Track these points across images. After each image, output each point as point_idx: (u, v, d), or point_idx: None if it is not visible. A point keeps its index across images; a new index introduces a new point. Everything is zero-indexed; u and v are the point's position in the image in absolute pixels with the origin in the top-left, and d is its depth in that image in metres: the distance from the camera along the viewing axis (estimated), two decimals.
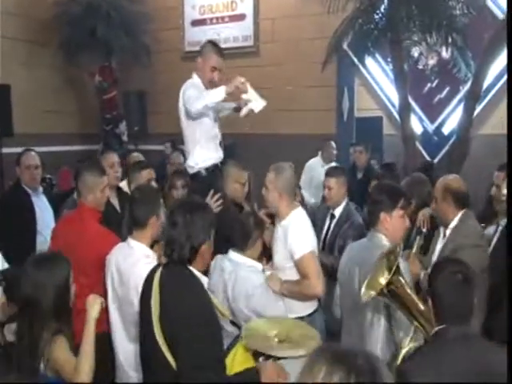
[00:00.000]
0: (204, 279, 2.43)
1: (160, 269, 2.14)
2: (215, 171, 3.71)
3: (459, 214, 3.04)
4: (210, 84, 3.67)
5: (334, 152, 6.47)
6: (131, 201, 2.82)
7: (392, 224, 2.56)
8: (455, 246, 2.94)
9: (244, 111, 3.61)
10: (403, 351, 2.16)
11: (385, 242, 2.53)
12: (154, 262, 2.64)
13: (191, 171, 3.75)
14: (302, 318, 2.96)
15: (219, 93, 3.45)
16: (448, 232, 3.10)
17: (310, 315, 3.04)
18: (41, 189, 4.32)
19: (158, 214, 2.76)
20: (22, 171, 4.12)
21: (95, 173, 3.18)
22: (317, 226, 3.97)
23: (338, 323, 3.21)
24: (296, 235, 2.95)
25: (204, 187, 3.54)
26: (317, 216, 3.98)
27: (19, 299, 2.27)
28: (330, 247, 3.72)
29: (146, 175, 3.75)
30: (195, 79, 3.73)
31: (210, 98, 3.47)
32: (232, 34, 8.13)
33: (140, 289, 2.31)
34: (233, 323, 2.73)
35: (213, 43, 3.87)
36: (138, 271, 2.57)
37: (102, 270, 2.81)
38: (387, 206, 2.55)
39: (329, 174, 3.86)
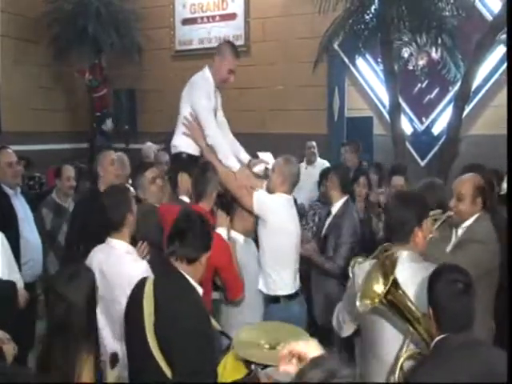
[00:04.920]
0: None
1: (152, 278, 2.14)
2: (197, 161, 3.67)
3: (477, 214, 2.87)
4: (223, 84, 3.73)
5: (313, 151, 6.50)
6: (102, 208, 2.75)
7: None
8: (460, 239, 2.81)
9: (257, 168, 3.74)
10: (401, 359, 2.07)
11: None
12: (137, 258, 2.67)
13: (173, 151, 3.72)
14: (277, 298, 3.15)
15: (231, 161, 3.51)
16: (460, 231, 2.90)
17: (287, 297, 3.18)
18: (19, 189, 4.13)
19: (131, 210, 2.75)
20: (3, 169, 3.91)
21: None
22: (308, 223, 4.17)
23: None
24: None
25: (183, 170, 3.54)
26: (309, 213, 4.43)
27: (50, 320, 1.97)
28: (323, 245, 3.79)
29: (150, 174, 3.57)
30: (206, 73, 3.67)
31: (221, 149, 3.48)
32: (223, 33, 8.09)
33: (127, 286, 2.30)
34: (222, 333, 2.74)
35: (232, 44, 3.83)
36: (122, 269, 2.58)
37: None
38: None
39: (326, 173, 4.30)
